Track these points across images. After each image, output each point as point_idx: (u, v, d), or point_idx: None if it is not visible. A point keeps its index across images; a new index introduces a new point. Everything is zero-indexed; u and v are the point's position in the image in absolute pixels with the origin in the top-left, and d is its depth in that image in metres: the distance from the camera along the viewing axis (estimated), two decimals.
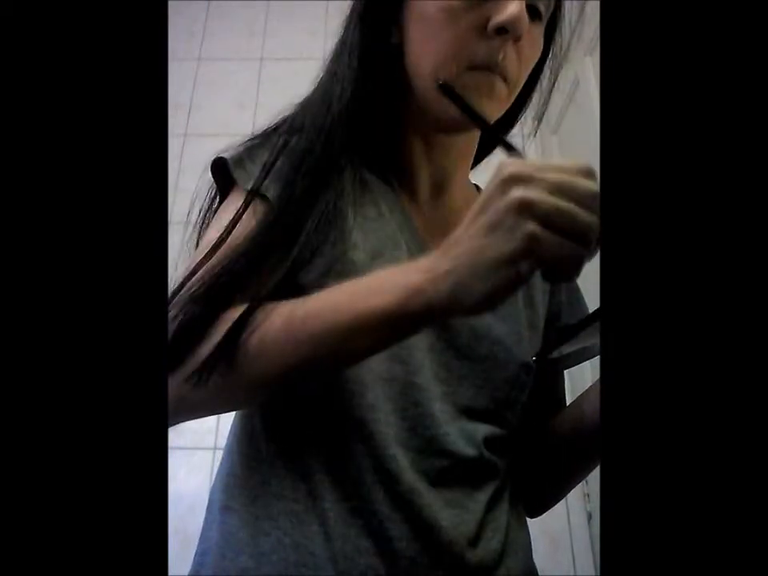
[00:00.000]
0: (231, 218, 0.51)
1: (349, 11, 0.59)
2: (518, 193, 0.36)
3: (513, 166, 0.37)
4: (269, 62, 2.32)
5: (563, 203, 0.35)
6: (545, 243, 0.35)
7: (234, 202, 0.54)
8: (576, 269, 0.36)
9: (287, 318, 0.44)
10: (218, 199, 0.59)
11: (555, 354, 0.63)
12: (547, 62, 0.62)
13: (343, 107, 0.54)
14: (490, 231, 0.37)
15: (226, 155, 0.56)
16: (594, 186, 0.36)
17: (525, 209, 0.35)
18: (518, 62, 0.53)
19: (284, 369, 0.44)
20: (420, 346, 0.53)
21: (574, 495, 1.62)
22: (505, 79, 0.52)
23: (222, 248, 0.49)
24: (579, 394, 0.62)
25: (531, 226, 0.35)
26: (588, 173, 0.37)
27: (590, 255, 0.36)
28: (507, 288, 0.37)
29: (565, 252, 0.35)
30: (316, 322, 0.43)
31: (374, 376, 0.51)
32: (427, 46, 0.53)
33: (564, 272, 0.36)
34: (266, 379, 0.45)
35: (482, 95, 0.52)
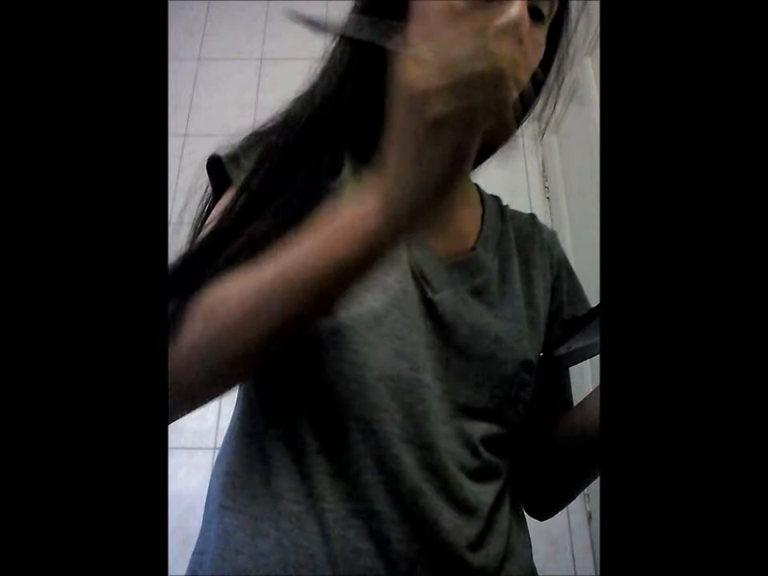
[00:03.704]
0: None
1: (351, 10, 0.59)
2: (421, 110, 0.35)
3: (407, 77, 0.36)
4: (269, 62, 2.32)
5: (446, 70, 0.34)
6: (457, 108, 0.34)
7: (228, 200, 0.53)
8: (503, 107, 0.35)
9: (257, 286, 0.42)
10: (212, 198, 0.58)
11: (562, 350, 0.63)
12: (553, 63, 0.62)
13: (331, 103, 0.54)
14: (405, 134, 0.37)
15: (220, 153, 0.55)
16: (479, 44, 0.35)
17: (421, 97, 0.35)
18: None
19: (266, 333, 0.42)
20: (420, 343, 0.52)
21: None
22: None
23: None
24: (583, 398, 0.62)
25: (434, 107, 0.34)
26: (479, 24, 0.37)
27: (512, 87, 0.35)
28: (456, 166, 0.36)
29: (479, 101, 0.34)
30: (287, 285, 0.41)
31: (377, 375, 0.50)
32: None
33: (498, 119, 0.35)
34: (250, 347, 0.43)
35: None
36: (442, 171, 0.36)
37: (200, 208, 0.59)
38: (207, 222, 0.54)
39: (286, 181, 0.51)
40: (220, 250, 0.48)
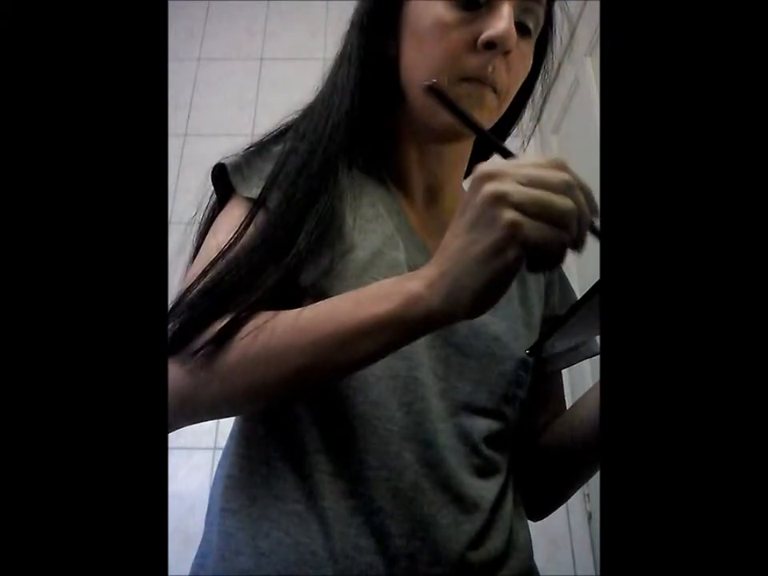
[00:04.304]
0: (230, 224, 0.52)
1: (349, 25, 0.61)
2: (491, 187, 0.37)
3: (485, 165, 0.39)
4: (269, 62, 2.32)
5: (536, 191, 0.36)
6: (525, 228, 0.36)
7: (233, 209, 0.55)
8: (560, 253, 0.37)
9: (289, 326, 0.45)
10: (216, 206, 0.59)
11: (548, 347, 0.63)
12: (539, 76, 0.64)
13: (342, 117, 0.56)
14: (472, 228, 0.38)
15: (225, 162, 0.57)
16: (566, 175, 0.37)
17: (500, 200, 0.36)
18: (507, 74, 0.55)
19: (285, 376, 0.44)
20: (419, 343, 0.53)
21: (574, 495, 1.62)
22: (495, 90, 0.54)
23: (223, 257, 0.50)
24: (579, 398, 0.63)
25: (509, 214, 0.36)
26: (559, 165, 0.38)
27: (574, 242, 0.37)
28: (500, 280, 0.38)
29: (546, 236, 0.36)
30: (318, 329, 0.43)
31: (377, 374, 0.51)
32: (420, 58, 0.54)
33: (549, 258, 0.37)
34: (267, 386, 0.45)
35: (473, 106, 0.53)
36: (496, 283, 0.38)
37: (205, 214, 0.60)
38: (214, 229, 0.56)
39: (323, 193, 0.53)
40: (262, 266, 0.49)
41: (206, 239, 0.56)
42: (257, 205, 0.53)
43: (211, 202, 0.61)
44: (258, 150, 0.58)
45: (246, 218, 0.52)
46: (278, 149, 0.57)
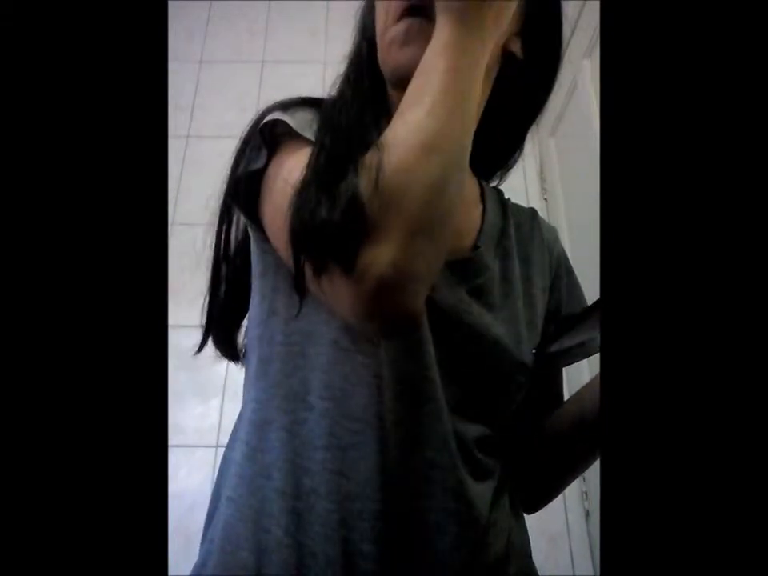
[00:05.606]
0: (300, 157, 0.50)
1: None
2: None
3: None
4: (270, 63, 2.32)
5: None
6: None
7: (296, 149, 0.53)
8: None
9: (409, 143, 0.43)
10: (264, 153, 0.57)
11: (555, 347, 0.63)
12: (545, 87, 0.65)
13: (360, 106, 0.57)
14: None
15: (280, 118, 0.56)
16: None
17: None
18: None
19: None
20: (427, 342, 0.52)
21: (572, 494, 1.62)
22: (429, 18, 0.52)
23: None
24: (577, 390, 0.63)
25: None
26: None
27: None
28: None
29: None
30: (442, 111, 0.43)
31: (387, 375, 0.50)
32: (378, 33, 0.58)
33: None
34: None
35: (405, 43, 0.54)
36: None
37: (249, 163, 0.58)
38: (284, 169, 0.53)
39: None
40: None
41: (277, 173, 0.53)
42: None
43: (252, 150, 0.58)
44: (297, 107, 0.59)
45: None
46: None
